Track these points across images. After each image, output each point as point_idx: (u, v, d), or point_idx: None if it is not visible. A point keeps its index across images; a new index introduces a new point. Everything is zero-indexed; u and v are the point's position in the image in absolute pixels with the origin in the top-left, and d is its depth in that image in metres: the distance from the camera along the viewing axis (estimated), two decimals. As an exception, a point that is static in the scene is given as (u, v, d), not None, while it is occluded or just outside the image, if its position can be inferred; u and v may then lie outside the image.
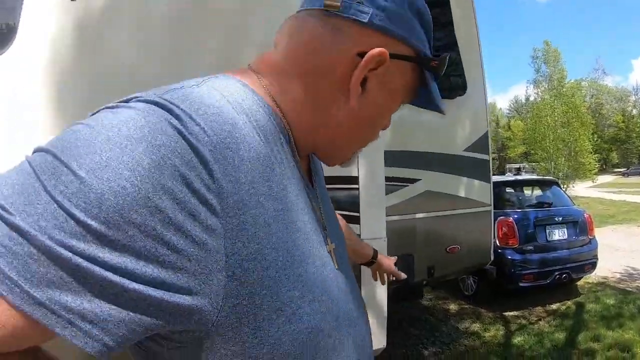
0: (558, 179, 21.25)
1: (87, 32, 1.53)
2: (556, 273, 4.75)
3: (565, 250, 4.93)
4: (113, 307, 0.37)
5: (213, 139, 0.42)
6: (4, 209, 0.36)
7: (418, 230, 3.07)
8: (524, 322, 4.43)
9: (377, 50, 0.50)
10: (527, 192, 5.93)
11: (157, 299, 0.39)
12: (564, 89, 24.08)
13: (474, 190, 3.36)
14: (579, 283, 5.61)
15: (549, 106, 22.83)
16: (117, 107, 0.42)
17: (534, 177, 8.30)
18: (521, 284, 4.70)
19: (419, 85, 0.59)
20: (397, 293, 3.12)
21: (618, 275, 6.09)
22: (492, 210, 3.52)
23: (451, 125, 3.22)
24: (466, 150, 3.27)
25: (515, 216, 4.95)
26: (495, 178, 6.73)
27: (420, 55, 0.56)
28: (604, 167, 50.34)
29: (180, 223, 0.39)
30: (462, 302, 5.17)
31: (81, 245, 0.36)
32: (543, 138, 22.33)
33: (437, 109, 0.63)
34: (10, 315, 0.36)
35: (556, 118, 22.05)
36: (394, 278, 1.30)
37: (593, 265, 5.16)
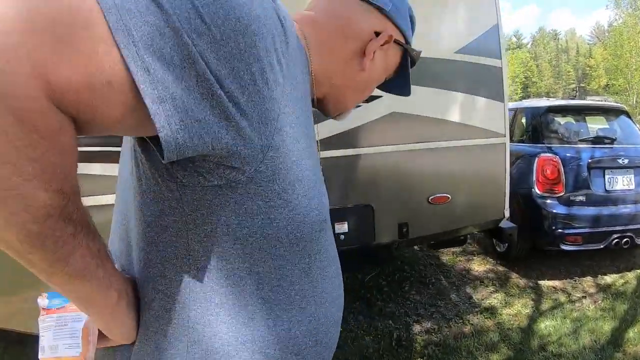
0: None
1: None
2: (615, 236, 3.79)
3: (630, 205, 3.93)
4: (198, 103, 0.49)
5: (290, 25, 0.62)
6: None
7: (380, 170, 2.37)
8: (562, 298, 3.60)
9: (389, 32, 0.79)
10: (584, 122, 4.77)
11: (229, 112, 0.51)
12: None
13: (476, 113, 2.52)
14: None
15: (632, 29, 21.08)
16: None
17: (594, 102, 6.91)
18: (564, 247, 3.82)
19: (399, 69, 0.89)
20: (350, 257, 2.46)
21: None
22: (508, 143, 2.63)
23: (435, 15, 2.32)
24: (460, 52, 2.40)
25: (564, 154, 3.96)
26: (539, 101, 5.63)
27: (408, 44, 0.86)
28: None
29: (263, 65, 0.53)
30: (491, 261, 4.42)
31: (198, 39, 0.48)
32: (626, 65, 20.64)
33: (406, 92, 0.93)
34: (114, 66, 0.44)
35: (640, 42, 20.29)
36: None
37: (667, 229, 4.11)
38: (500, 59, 2.48)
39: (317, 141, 0.78)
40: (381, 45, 0.79)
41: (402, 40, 0.84)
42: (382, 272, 4.08)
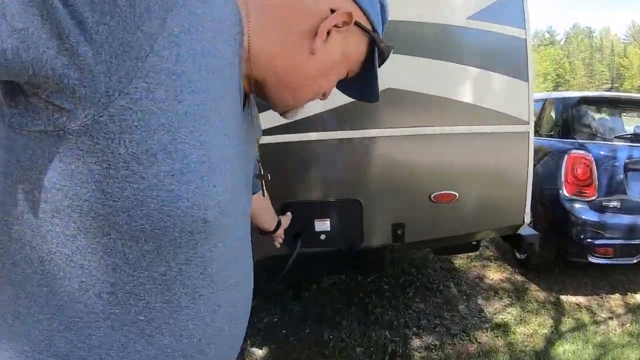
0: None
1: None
2: (651, 250, 3.37)
3: (672, 215, 3.48)
4: (23, 8, 0.38)
5: None
6: None
7: (371, 159, 2.03)
8: (585, 318, 3.19)
9: (347, 10, 0.65)
10: (621, 117, 4.30)
11: (65, 30, 0.40)
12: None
13: (492, 93, 2.14)
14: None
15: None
16: None
17: (633, 95, 6.39)
18: (592, 259, 3.41)
19: (365, 65, 0.74)
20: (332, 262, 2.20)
21: None
22: (531, 133, 2.23)
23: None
24: (475, 17, 2.02)
25: (597, 152, 3.52)
26: (571, 93, 5.15)
27: (375, 32, 0.71)
28: None
29: None
30: (509, 269, 4.04)
31: None
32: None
33: (373, 96, 0.78)
34: None
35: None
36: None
37: None
38: (524, 28, 2.07)
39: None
40: (338, 27, 0.66)
41: (367, 26, 0.70)
42: (384, 275, 3.77)
